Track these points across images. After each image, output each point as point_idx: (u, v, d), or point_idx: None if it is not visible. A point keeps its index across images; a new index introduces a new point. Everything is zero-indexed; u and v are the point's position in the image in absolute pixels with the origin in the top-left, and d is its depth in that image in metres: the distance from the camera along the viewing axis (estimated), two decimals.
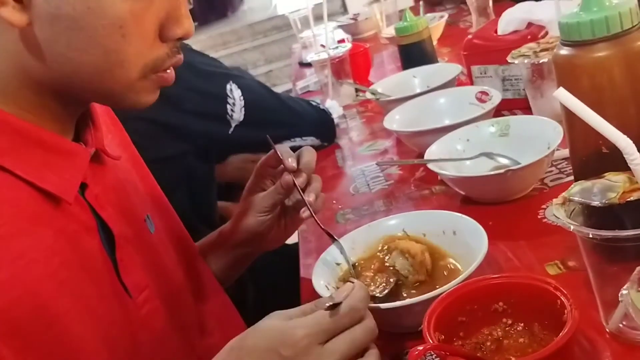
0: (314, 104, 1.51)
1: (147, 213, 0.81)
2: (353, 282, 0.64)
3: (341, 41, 2.11)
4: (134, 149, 0.89)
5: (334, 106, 1.55)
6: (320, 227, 0.83)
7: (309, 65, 2.07)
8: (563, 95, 0.53)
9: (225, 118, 1.31)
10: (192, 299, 0.86)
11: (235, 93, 1.31)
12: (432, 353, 0.68)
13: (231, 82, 1.32)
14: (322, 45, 1.84)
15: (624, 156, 0.51)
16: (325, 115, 1.49)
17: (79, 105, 0.70)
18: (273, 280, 1.34)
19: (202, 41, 6.05)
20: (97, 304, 0.66)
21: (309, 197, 0.84)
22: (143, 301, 0.73)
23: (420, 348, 0.55)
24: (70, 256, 0.64)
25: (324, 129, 1.47)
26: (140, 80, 0.65)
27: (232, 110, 1.31)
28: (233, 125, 1.32)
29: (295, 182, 0.84)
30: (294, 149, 0.88)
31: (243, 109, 1.32)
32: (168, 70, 0.67)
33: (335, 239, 0.83)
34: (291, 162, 0.85)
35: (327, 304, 0.60)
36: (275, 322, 0.61)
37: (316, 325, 0.59)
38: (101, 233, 0.69)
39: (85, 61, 0.61)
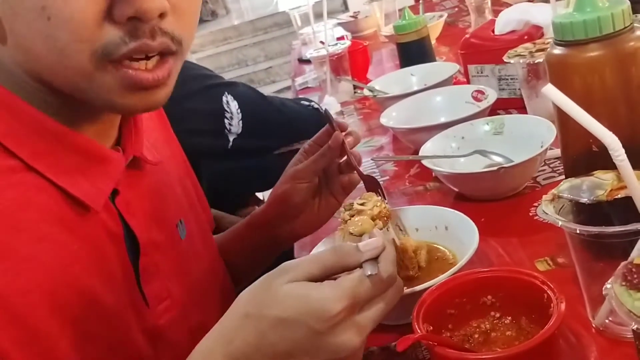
0: (305, 104, 1.51)
1: (181, 218, 0.79)
2: (378, 237, 0.59)
3: (340, 38, 2.12)
4: (179, 146, 0.88)
5: (332, 102, 1.56)
6: (361, 175, 0.88)
7: (308, 61, 2.08)
8: (551, 92, 0.54)
9: (224, 133, 1.30)
10: (216, 305, 0.83)
11: (232, 105, 1.30)
12: (421, 343, 0.69)
13: (226, 93, 1.31)
14: (322, 42, 1.85)
15: (610, 152, 0.52)
16: (318, 113, 1.48)
17: (100, 111, 0.65)
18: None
19: (203, 36, 6.05)
20: (112, 313, 0.64)
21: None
22: (163, 310, 0.70)
23: (409, 337, 0.56)
24: (91, 263, 0.62)
25: (318, 129, 1.47)
26: (99, 73, 0.56)
27: (230, 124, 1.30)
28: (231, 139, 1.31)
29: (345, 140, 0.86)
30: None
31: (241, 122, 1.31)
32: (136, 64, 0.57)
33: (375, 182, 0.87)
34: (344, 123, 0.87)
35: (369, 273, 0.55)
36: (301, 290, 0.55)
37: (354, 297, 0.54)
38: (127, 241, 0.67)
39: (34, 51, 0.56)
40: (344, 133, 0.87)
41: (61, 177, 0.60)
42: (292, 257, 1.02)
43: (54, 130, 0.60)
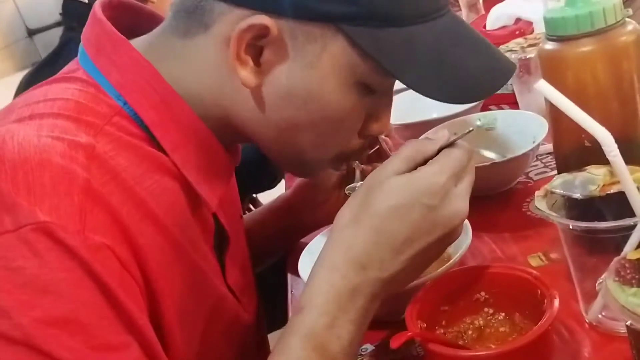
0: None
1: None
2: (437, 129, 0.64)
3: None
4: None
5: None
6: None
7: None
8: (544, 87, 0.54)
9: None
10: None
11: None
12: (415, 340, 0.69)
13: None
14: None
15: (602, 148, 0.52)
16: None
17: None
18: (259, 275, 1.34)
19: None
20: (207, 309, 0.67)
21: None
22: (246, 304, 0.74)
23: (403, 334, 0.56)
24: (191, 257, 0.65)
25: None
26: (331, 162, 0.70)
27: None
28: None
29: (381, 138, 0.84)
30: None
31: None
32: None
33: None
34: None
35: (462, 134, 0.60)
36: (403, 178, 0.58)
37: (452, 168, 0.58)
38: (215, 237, 0.71)
39: (291, 138, 0.64)
40: None
41: (191, 173, 0.64)
42: (284, 261, 1.02)
43: (195, 126, 0.64)
